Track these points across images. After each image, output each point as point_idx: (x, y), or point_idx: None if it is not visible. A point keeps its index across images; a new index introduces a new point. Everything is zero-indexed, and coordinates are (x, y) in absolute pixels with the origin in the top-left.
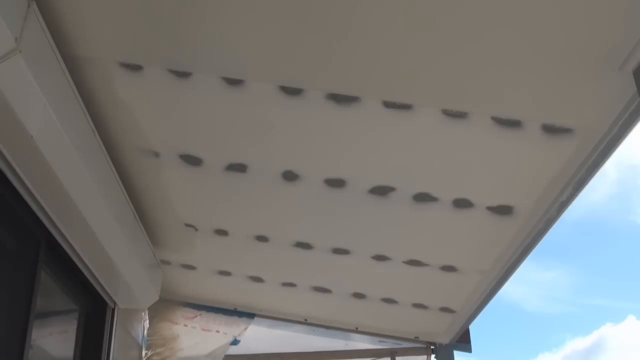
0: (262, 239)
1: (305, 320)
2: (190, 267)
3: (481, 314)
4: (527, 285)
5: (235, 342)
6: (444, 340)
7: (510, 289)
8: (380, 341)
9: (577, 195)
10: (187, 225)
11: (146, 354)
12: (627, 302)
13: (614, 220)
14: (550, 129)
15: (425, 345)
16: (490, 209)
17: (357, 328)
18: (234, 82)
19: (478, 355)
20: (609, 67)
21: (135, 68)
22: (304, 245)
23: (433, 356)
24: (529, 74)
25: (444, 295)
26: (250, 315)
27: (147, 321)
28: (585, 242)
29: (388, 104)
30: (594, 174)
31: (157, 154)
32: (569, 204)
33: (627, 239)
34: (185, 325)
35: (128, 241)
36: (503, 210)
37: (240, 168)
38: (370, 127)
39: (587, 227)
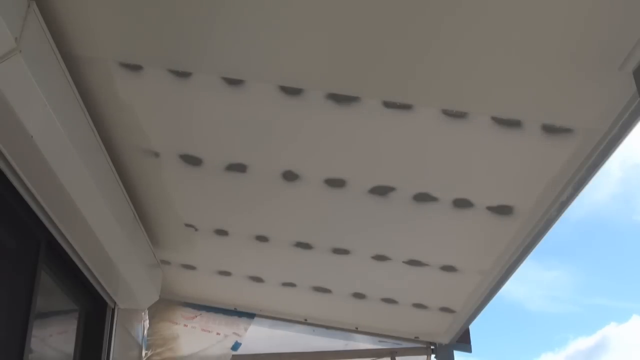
0: (262, 239)
1: (305, 320)
2: (190, 267)
3: (483, 313)
4: (529, 284)
5: (235, 346)
6: (444, 340)
7: (513, 289)
8: (380, 341)
9: (577, 195)
10: (187, 225)
11: (146, 354)
12: (631, 301)
13: (617, 220)
14: (550, 129)
15: (425, 345)
16: (490, 209)
17: (357, 328)
18: (234, 82)
19: (479, 355)
20: (609, 67)
21: (135, 68)
22: (304, 245)
23: (433, 356)
24: (529, 74)
25: (444, 295)
26: (250, 315)
27: (147, 321)
28: (588, 242)
29: (388, 104)
30: (594, 174)
31: (157, 154)
32: (569, 204)
33: (630, 239)
34: (185, 325)
35: (128, 241)
36: (503, 210)
37: (240, 168)
38: (370, 127)
39: (590, 227)
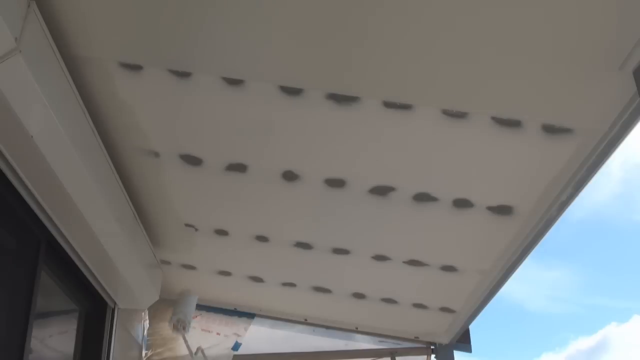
0: (262, 239)
1: (306, 320)
2: (190, 267)
3: (483, 313)
4: (530, 284)
5: (236, 346)
6: (444, 340)
7: (514, 289)
8: (380, 341)
9: (577, 195)
10: (187, 225)
11: (146, 354)
12: (631, 301)
13: (618, 220)
14: (550, 129)
15: (425, 345)
16: (490, 209)
17: (357, 328)
18: (234, 82)
19: (479, 355)
20: (609, 67)
21: (135, 68)
22: (304, 245)
23: (433, 356)
24: (529, 74)
25: (444, 295)
26: (251, 315)
27: (147, 321)
28: (589, 242)
29: (388, 104)
30: (595, 174)
31: (157, 154)
32: (569, 204)
33: (631, 238)
34: None
35: (128, 241)
36: (503, 210)
37: (240, 168)
38: (370, 127)
39: (591, 227)
